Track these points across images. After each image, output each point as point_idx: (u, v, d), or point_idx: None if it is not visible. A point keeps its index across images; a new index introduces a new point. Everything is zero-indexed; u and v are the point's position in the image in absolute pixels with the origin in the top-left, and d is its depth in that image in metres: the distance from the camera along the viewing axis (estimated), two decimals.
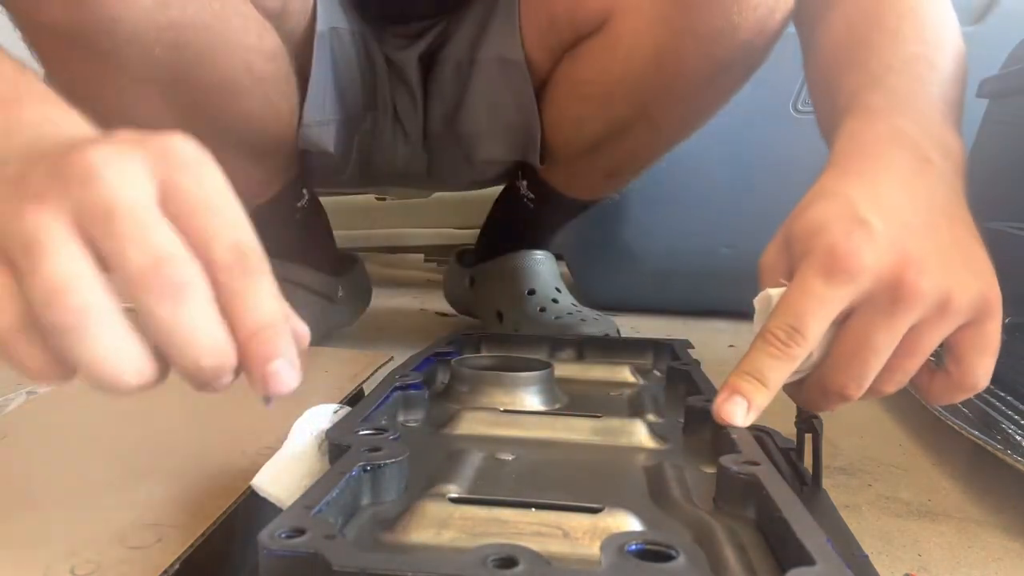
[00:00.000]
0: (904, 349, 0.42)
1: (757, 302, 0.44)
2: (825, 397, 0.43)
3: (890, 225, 0.41)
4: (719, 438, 0.39)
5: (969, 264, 0.42)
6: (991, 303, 0.42)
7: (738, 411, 0.40)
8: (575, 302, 1.02)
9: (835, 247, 0.41)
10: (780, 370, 0.41)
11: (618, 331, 0.95)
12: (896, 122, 0.48)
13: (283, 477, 0.34)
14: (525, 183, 0.98)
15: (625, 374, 0.59)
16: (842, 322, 0.42)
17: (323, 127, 0.83)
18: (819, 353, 0.43)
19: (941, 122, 0.49)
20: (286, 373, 0.29)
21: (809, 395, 0.44)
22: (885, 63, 0.52)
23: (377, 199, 1.66)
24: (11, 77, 0.34)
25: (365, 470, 0.32)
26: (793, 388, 0.46)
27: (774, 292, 0.43)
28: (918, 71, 0.52)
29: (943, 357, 0.44)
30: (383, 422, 0.41)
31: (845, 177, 0.45)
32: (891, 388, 0.43)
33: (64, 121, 0.33)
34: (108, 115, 0.39)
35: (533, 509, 0.30)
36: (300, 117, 0.81)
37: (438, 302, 1.28)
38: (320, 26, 0.78)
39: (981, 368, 0.43)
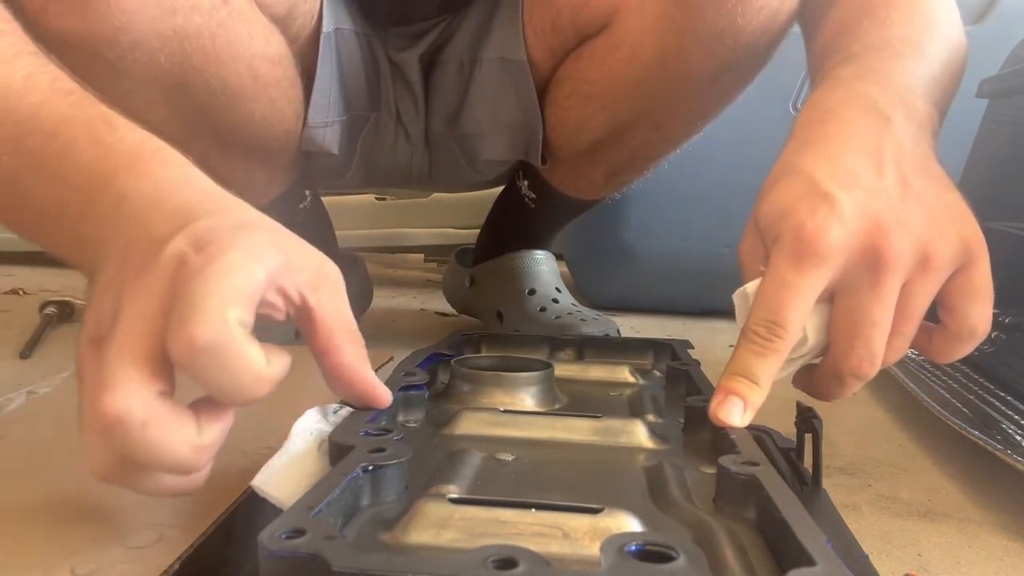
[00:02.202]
0: (897, 314, 0.41)
1: (736, 298, 0.44)
2: (842, 383, 0.43)
3: (854, 193, 0.41)
4: (719, 438, 0.39)
5: (944, 213, 0.42)
6: (973, 247, 0.42)
7: (735, 411, 0.40)
8: (575, 302, 1.02)
9: (801, 229, 0.40)
10: (768, 366, 0.40)
11: (618, 331, 0.95)
12: (856, 86, 0.47)
13: (283, 478, 0.34)
14: (526, 183, 0.98)
15: (625, 374, 0.59)
16: (833, 303, 0.42)
17: (327, 128, 0.83)
18: (816, 338, 0.43)
19: (907, 88, 0.48)
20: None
21: (825, 384, 0.44)
22: (865, 43, 0.52)
23: (377, 199, 1.66)
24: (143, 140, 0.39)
25: (366, 471, 0.32)
26: (804, 381, 0.46)
27: (750, 288, 0.43)
28: (897, 49, 0.51)
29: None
30: (383, 423, 0.41)
31: (805, 149, 0.45)
32: (895, 356, 0.43)
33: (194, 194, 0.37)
34: None
35: (533, 510, 0.30)
36: (304, 119, 0.81)
37: (438, 302, 1.28)
38: (325, 27, 0.78)
39: (976, 314, 0.42)
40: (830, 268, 0.40)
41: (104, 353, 0.32)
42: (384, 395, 0.40)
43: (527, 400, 0.49)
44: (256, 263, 0.33)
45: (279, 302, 0.35)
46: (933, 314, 0.44)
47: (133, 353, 0.31)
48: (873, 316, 0.40)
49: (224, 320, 0.30)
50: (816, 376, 0.45)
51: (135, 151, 0.39)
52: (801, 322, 0.41)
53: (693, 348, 0.62)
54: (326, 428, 0.38)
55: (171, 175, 0.38)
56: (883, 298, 0.40)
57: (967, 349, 0.44)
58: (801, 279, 0.40)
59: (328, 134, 0.84)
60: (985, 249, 0.42)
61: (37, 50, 0.44)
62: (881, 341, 0.41)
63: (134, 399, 0.31)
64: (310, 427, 0.38)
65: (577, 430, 0.43)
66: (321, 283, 0.37)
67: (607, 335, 0.90)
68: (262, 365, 0.32)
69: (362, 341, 0.38)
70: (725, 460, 0.33)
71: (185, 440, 0.32)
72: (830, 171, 0.42)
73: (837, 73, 0.50)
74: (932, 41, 0.53)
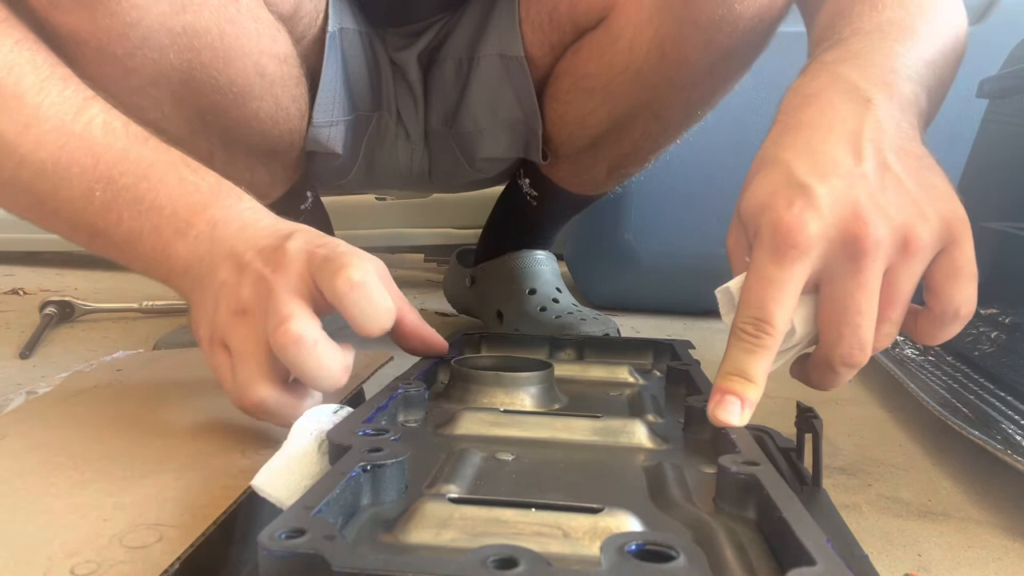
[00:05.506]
0: (883, 299, 0.41)
1: (718, 294, 0.44)
2: (835, 372, 0.43)
3: (831, 181, 0.41)
4: (719, 438, 0.39)
5: (925, 195, 0.41)
6: (955, 227, 0.41)
7: (733, 411, 0.40)
8: (575, 302, 1.02)
9: (779, 223, 0.40)
10: (760, 363, 0.40)
11: (618, 331, 0.95)
12: (838, 70, 0.47)
13: (283, 477, 0.34)
14: (527, 181, 0.98)
15: (625, 374, 0.59)
16: (818, 292, 0.42)
17: (332, 128, 0.83)
18: (804, 328, 0.43)
19: (891, 70, 0.47)
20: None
21: (820, 375, 0.44)
22: (855, 27, 0.52)
23: (377, 199, 1.66)
24: (215, 183, 0.51)
25: (365, 470, 0.32)
26: (800, 372, 0.46)
27: (733, 285, 0.43)
28: (886, 31, 0.51)
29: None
30: (383, 422, 0.41)
31: (783, 137, 0.45)
32: (885, 342, 0.43)
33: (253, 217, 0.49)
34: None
35: (533, 509, 0.30)
36: (309, 118, 0.81)
37: (438, 302, 1.28)
38: (331, 26, 0.78)
39: (959, 294, 0.42)
40: (811, 260, 0.40)
41: (272, 300, 0.42)
42: (444, 344, 0.54)
43: (527, 400, 0.49)
44: (368, 256, 0.46)
45: None
46: (921, 296, 0.44)
47: (300, 297, 0.42)
48: (858, 304, 0.40)
49: (368, 268, 0.43)
50: (809, 366, 0.45)
51: (215, 189, 0.50)
52: (787, 316, 0.41)
53: (694, 348, 0.62)
54: (326, 428, 0.38)
55: (245, 207, 0.50)
56: (866, 285, 0.40)
57: (954, 331, 0.44)
58: (783, 273, 0.40)
59: (333, 133, 0.84)
60: (968, 229, 0.42)
61: (95, 93, 0.52)
62: (869, 328, 0.41)
63: (309, 325, 0.41)
64: (310, 427, 0.38)
65: (577, 430, 0.43)
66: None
67: (607, 335, 0.90)
68: (390, 302, 0.44)
69: (412, 306, 0.51)
70: (725, 460, 0.33)
71: (340, 358, 0.42)
72: (807, 160, 0.42)
73: (822, 58, 0.49)
74: (927, 24, 0.52)
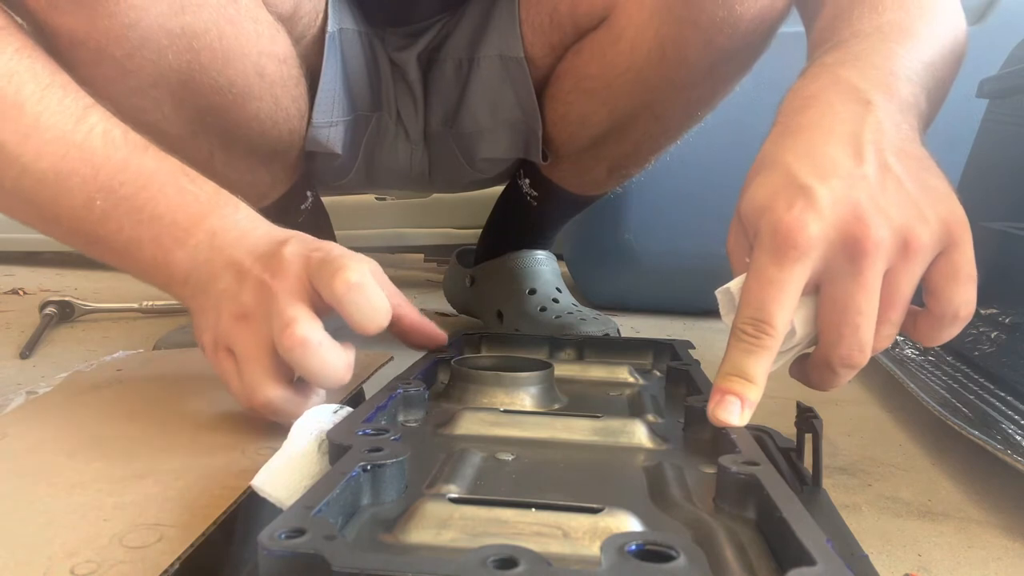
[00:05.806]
0: (883, 301, 0.41)
1: (719, 295, 0.44)
2: (834, 373, 0.43)
3: (832, 182, 0.41)
4: (719, 438, 0.39)
5: (925, 197, 0.41)
6: (955, 230, 0.41)
7: (733, 411, 0.40)
8: (575, 302, 1.02)
9: (778, 225, 0.40)
10: (760, 364, 0.40)
11: (618, 331, 0.95)
12: (838, 72, 0.47)
13: (283, 477, 0.34)
14: (528, 181, 0.98)
15: (625, 374, 0.59)
16: (818, 293, 0.42)
17: (331, 128, 0.83)
18: (805, 329, 0.43)
19: (891, 72, 0.48)
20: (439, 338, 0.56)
21: (819, 376, 0.44)
22: (855, 30, 0.52)
23: (377, 199, 1.66)
24: (213, 193, 0.52)
25: (365, 470, 0.32)
26: (800, 372, 0.46)
27: (733, 285, 0.43)
28: (886, 33, 0.51)
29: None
30: (383, 422, 0.41)
31: (783, 139, 0.45)
32: (884, 343, 0.43)
33: (250, 226, 0.51)
34: (119, 117, 0.53)
35: (533, 509, 0.30)
36: (309, 119, 0.81)
37: (438, 302, 1.28)
38: (331, 26, 0.78)
39: (958, 297, 0.42)
40: (811, 261, 0.40)
41: (275, 304, 0.44)
42: (443, 335, 0.56)
43: (527, 400, 0.49)
44: (362, 257, 0.47)
45: None
46: (920, 297, 0.44)
47: (300, 300, 0.44)
48: (858, 305, 0.40)
49: (363, 269, 0.45)
50: (809, 367, 0.45)
51: (213, 199, 0.51)
52: (787, 317, 0.41)
53: (694, 348, 0.62)
54: (326, 428, 0.38)
55: (242, 216, 0.51)
56: (866, 286, 0.40)
57: (953, 332, 0.44)
58: (783, 274, 0.40)
59: (332, 134, 0.84)
60: (968, 231, 0.42)
61: (95, 100, 0.52)
62: (868, 329, 0.41)
63: (313, 328, 0.43)
64: (310, 427, 0.38)
65: (577, 430, 0.43)
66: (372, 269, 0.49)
67: (607, 335, 0.90)
68: (386, 301, 0.46)
69: (409, 302, 0.53)
70: (725, 460, 0.33)
71: (343, 357, 0.44)
72: (807, 161, 0.42)
73: (822, 60, 0.49)
74: (927, 25, 0.52)
